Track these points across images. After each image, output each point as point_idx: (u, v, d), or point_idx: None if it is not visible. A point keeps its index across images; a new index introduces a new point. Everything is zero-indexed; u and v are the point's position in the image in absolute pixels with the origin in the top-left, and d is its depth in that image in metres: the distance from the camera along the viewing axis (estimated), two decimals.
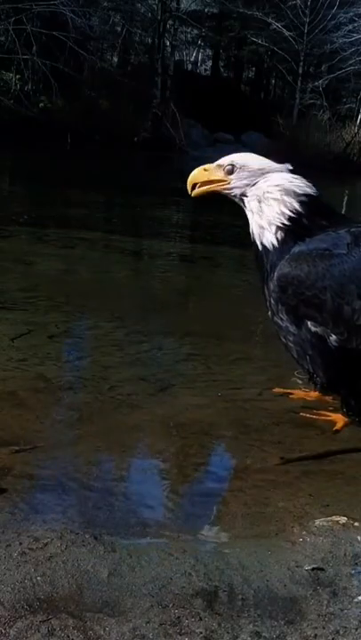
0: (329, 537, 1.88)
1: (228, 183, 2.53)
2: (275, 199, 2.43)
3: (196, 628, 1.49)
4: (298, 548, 1.82)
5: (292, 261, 2.35)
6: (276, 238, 2.43)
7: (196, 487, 2.12)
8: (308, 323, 2.35)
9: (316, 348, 2.38)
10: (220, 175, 2.54)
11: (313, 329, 2.35)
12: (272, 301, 2.46)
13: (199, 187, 2.57)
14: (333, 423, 2.62)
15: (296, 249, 2.38)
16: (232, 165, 2.53)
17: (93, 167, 15.78)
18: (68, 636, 1.43)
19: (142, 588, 1.60)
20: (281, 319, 2.45)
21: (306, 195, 2.43)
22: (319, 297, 2.29)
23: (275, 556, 1.78)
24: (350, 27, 23.70)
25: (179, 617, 1.52)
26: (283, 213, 2.42)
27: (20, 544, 1.71)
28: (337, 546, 1.85)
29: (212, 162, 2.59)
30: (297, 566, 1.74)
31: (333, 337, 2.33)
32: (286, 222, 2.41)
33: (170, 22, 24.78)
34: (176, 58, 26.89)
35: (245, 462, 2.30)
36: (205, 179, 2.56)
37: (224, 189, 2.55)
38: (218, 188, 2.56)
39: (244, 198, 2.52)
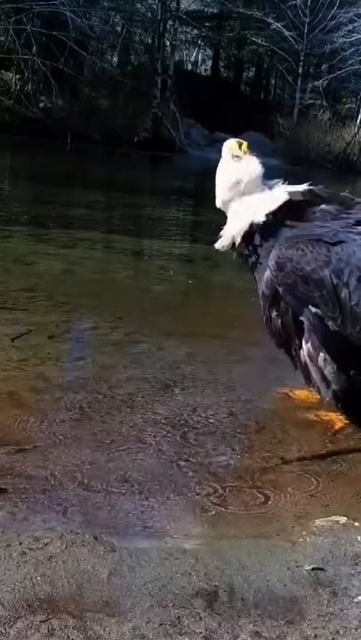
0: (329, 537, 1.88)
1: None
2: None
3: (196, 628, 1.49)
4: (298, 548, 1.82)
5: (290, 240, 2.43)
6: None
7: (195, 487, 2.12)
8: (309, 305, 2.37)
9: (318, 331, 2.40)
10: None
11: (313, 310, 2.37)
12: (263, 301, 2.52)
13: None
14: (333, 423, 2.62)
15: (294, 233, 2.45)
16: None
17: (93, 167, 15.79)
18: (68, 636, 1.43)
19: (142, 588, 1.60)
20: (272, 317, 2.50)
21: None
22: (319, 273, 2.32)
23: (275, 556, 1.78)
24: (350, 27, 23.67)
25: (179, 617, 1.52)
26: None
27: (20, 544, 1.71)
28: (337, 546, 1.85)
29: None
30: (297, 566, 1.74)
31: (330, 322, 2.36)
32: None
33: (170, 22, 24.78)
34: (176, 58, 26.87)
35: (245, 462, 2.31)
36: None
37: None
38: None
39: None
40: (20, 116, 19.16)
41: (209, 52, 32.03)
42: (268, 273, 2.48)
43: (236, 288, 4.81)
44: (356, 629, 1.53)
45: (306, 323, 2.42)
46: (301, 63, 25.62)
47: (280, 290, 2.44)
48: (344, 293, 2.32)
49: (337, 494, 2.15)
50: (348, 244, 2.37)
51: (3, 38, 20.86)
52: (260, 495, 2.10)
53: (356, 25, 23.70)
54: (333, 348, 2.42)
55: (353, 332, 2.35)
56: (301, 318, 2.43)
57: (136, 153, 19.50)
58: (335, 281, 2.32)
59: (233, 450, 2.40)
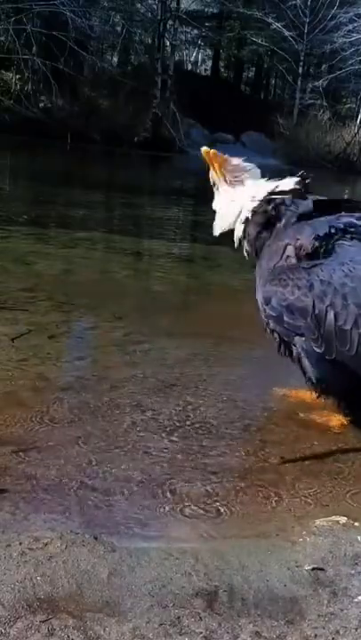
0: (329, 537, 1.88)
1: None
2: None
3: (196, 628, 1.49)
4: (298, 548, 1.82)
5: (274, 273, 2.46)
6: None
7: (195, 487, 2.12)
8: (295, 337, 2.40)
9: (310, 356, 2.42)
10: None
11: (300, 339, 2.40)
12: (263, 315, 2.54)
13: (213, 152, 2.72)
14: (333, 423, 2.62)
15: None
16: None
17: (93, 167, 15.79)
18: (68, 636, 1.43)
19: (142, 588, 1.60)
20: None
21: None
22: (302, 300, 2.34)
23: (275, 555, 1.78)
24: (350, 27, 23.70)
25: (179, 617, 1.52)
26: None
27: (20, 544, 1.71)
28: (337, 546, 1.85)
29: None
30: (297, 566, 1.74)
31: (314, 345, 2.37)
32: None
33: (170, 22, 24.79)
34: (176, 58, 26.87)
35: (245, 462, 2.31)
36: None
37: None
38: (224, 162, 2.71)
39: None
40: (20, 116, 19.16)
41: (209, 51, 32.06)
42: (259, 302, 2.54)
43: (236, 288, 4.82)
44: (356, 629, 1.54)
45: (299, 349, 2.44)
46: (301, 63, 25.64)
47: (270, 323, 2.48)
48: (330, 315, 2.32)
49: (337, 494, 2.15)
50: (327, 265, 2.37)
51: (3, 38, 20.87)
52: (259, 495, 2.10)
53: (356, 25, 23.71)
54: (326, 372, 2.44)
55: (342, 352, 2.35)
56: (293, 344, 2.46)
57: (136, 153, 19.51)
58: (319, 305, 2.33)
59: (233, 450, 2.40)
